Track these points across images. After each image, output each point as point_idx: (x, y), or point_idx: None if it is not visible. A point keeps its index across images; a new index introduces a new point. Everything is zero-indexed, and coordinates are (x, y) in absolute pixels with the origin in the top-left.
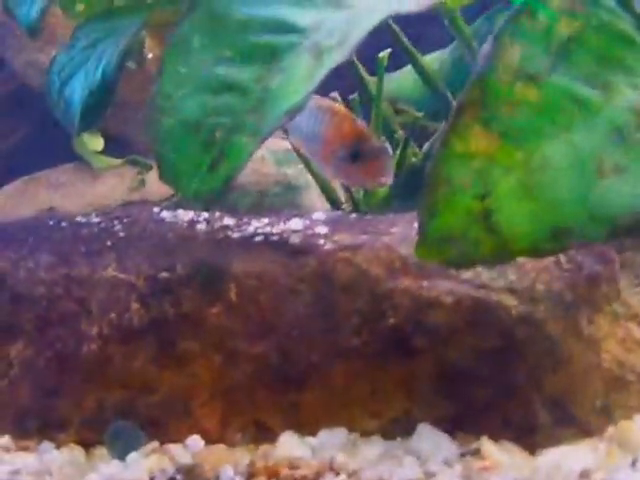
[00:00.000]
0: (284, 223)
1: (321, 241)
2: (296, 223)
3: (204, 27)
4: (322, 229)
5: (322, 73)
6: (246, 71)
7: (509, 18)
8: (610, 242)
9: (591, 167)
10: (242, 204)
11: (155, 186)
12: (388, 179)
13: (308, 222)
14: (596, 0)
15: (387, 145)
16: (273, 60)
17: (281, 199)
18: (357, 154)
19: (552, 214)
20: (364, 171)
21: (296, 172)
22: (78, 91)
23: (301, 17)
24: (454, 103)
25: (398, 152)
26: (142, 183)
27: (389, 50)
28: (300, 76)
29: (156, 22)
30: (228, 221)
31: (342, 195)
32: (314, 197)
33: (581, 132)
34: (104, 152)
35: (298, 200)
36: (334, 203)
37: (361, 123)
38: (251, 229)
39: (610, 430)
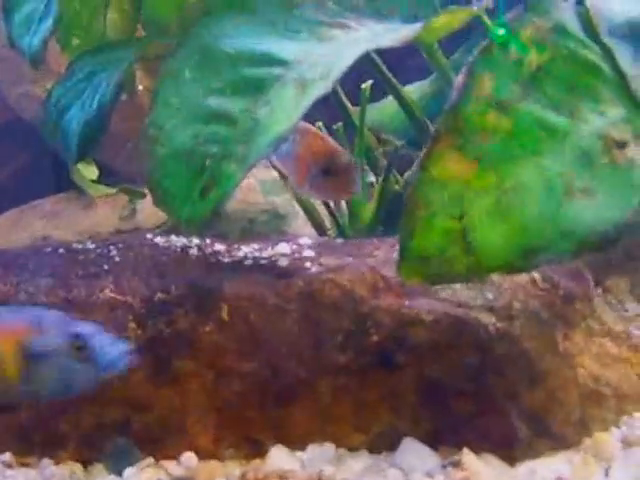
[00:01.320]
0: (272, 248)
1: (308, 264)
2: (284, 247)
3: (194, 60)
4: (309, 253)
5: (306, 105)
6: (235, 102)
7: (481, 50)
8: (594, 266)
9: (560, 189)
10: (232, 231)
11: (146, 214)
12: (356, 191)
13: (295, 246)
14: (565, 31)
15: (354, 161)
16: (260, 92)
17: (269, 226)
18: (328, 170)
19: (523, 233)
20: (335, 185)
21: (283, 200)
22: (75, 122)
23: (286, 50)
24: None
25: (381, 180)
26: (133, 212)
27: (371, 82)
28: (285, 107)
29: (146, 55)
30: (219, 246)
31: (327, 221)
32: (301, 224)
33: (550, 157)
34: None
35: (285, 227)
36: (320, 229)
37: (330, 141)
38: (241, 254)
39: (586, 442)
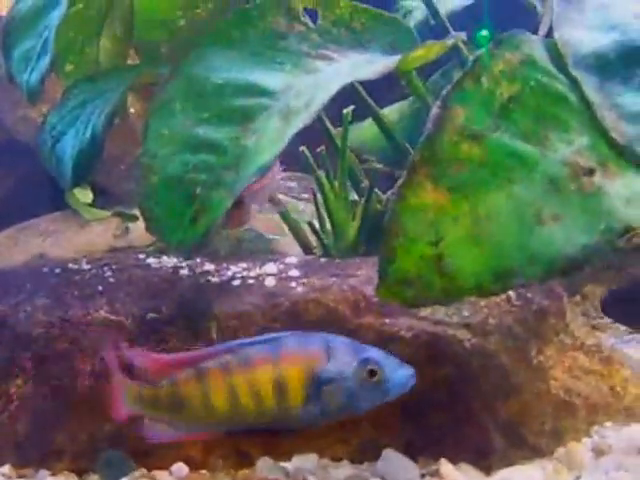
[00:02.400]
0: (260, 267)
1: (293, 283)
2: (271, 267)
3: (184, 92)
4: (294, 272)
5: (290, 133)
6: (223, 132)
7: (455, 83)
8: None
9: (530, 216)
10: (222, 250)
11: (139, 233)
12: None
13: (282, 266)
14: (534, 64)
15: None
16: (247, 121)
17: (257, 245)
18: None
19: (496, 258)
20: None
21: (271, 219)
22: (69, 149)
23: (272, 81)
24: (411, 152)
25: (363, 199)
26: (126, 230)
27: (352, 107)
28: (271, 137)
29: (138, 82)
30: (208, 267)
31: (313, 241)
32: (289, 242)
33: (521, 184)
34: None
35: (273, 246)
36: (306, 248)
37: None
38: (230, 273)
39: (559, 451)
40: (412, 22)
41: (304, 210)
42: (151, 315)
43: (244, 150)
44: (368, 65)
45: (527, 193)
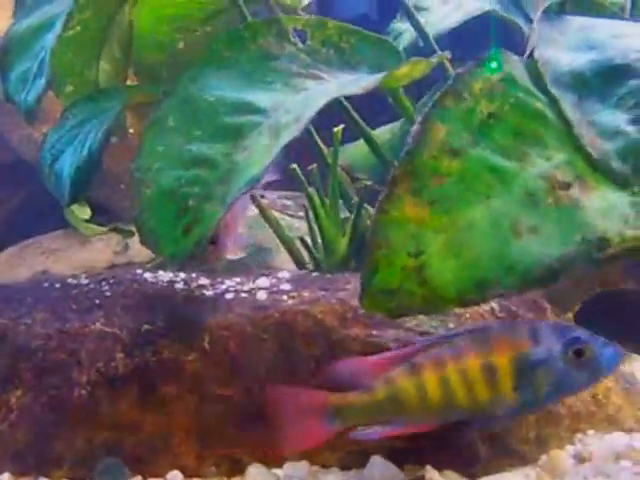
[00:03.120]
0: (253, 282)
1: (284, 297)
2: (263, 281)
3: (178, 110)
4: (286, 286)
5: (276, 150)
6: (215, 148)
7: (436, 100)
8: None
9: (507, 228)
10: (219, 265)
11: (138, 249)
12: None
13: (274, 280)
14: (513, 82)
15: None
16: (238, 138)
17: (253, 260)
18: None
19: (475, 269)
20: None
21: (266, 235)
22: (67, 167)
23: (263, 99)
24: None
25: (353, 216)
26: (126, 247)
27: (342, 126)
28: (260, 152)
29: (136, 102)
30: (204, 280)
31: (306, 256)
32: (284, 257)
33: (499, 198)
34: (91, 218)
35: (269, 260)
36: (299, 263)
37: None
38: (224, 287)
39: (543, 458)
40: (402, 44)
41: (299, 228)
42: (146, 327)
43: (235, 165)
44: (355, 83)
45: (505, 206)
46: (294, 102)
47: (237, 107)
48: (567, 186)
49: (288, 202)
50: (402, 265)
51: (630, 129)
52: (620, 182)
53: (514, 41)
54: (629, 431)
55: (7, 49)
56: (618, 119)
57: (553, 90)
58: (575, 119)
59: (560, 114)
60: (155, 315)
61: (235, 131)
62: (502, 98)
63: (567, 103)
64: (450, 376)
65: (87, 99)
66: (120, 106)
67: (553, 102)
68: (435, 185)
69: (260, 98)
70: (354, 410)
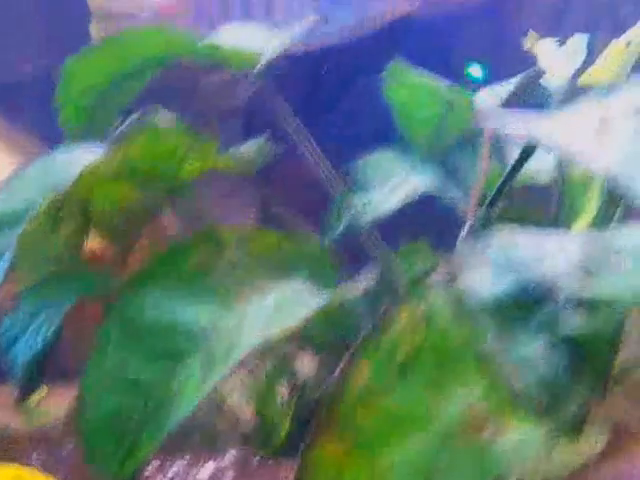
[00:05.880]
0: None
1: None
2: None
3: (117, 333)
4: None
5: (211, 383)
6: (151, 373)
7: (362, 338)
8: None
9: (423, 469)
10: None
11: None
12: None
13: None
14: (436, 315)
15: None
16: (173, 363)
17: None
18: None
19: None
20: None
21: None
22: (20, 358)
23: (198, 320)
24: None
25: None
26: None
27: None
28: (193, 385)
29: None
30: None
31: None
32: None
33: (416, 439)
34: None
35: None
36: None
37: None
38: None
39: None
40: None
41: None
42: None
43: (170, 394)
44: (292, 306)
45: (421, 447)
46: (228, 328)
47: (171, 330)
48: (483, 424)
49: None
50: None
51: (547, 358)
52: (538, 415)
53: (454, 221)
54: None
55: None
56: (536, 348)
57: (474, 318)
58: (495, 348)
59: (482, 342)
60: None
61: (170, 356)
62: (425, 334)
63: (488, 331)
64: None
65: (42, 285)
66: (74, 296)
67: (475, 331)
68: (357, 425)
69: (195, 319)
70: None
